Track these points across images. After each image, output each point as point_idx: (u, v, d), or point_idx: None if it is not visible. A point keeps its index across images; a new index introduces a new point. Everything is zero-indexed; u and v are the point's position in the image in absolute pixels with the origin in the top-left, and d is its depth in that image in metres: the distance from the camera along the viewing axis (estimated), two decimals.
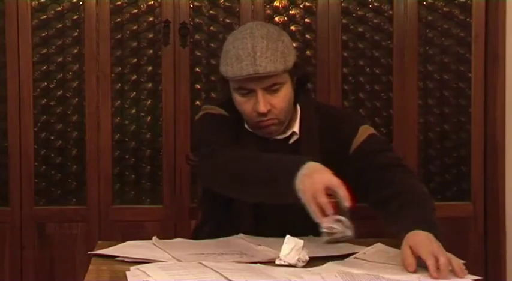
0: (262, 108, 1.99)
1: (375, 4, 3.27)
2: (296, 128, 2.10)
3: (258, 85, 1.99)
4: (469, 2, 3.27)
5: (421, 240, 1.70)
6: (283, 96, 2.02)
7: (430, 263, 1.63)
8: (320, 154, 2.01)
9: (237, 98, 2.04)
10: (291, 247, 1.70)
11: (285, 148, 2.08)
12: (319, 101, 2.93)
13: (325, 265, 1.70)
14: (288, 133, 2.10)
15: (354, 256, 1.80)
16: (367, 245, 1.87)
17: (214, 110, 2.13)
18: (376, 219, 2.01)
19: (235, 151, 1.97)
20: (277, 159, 1.86)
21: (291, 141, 2.10)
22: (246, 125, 2.10)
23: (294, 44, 3.21)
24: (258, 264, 1.71)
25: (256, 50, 1.96)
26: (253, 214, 2.08)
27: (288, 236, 1.73)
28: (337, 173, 1.80)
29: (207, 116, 2.13)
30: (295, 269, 1.68)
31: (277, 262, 1.70)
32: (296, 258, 1.70)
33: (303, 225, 1.82)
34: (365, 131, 2.09)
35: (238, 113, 2.08)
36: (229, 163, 1.93)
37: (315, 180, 1.71)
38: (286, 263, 1.70)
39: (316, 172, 1.74)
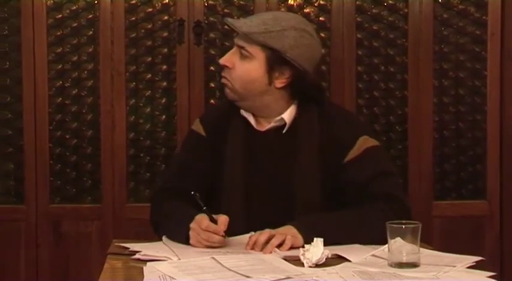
0: (222, 59, 2.07)
1: (390, 2, 3.26)
2: (286, 115, 2.07)
3: (237, 41, 2.06)
4: None
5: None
6: (244, 68, 2.04)
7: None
8: (318, 152, 2.05)
9: None
10: (322, 250, 1.70)
11: (277, 139, 2.07)
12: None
13: (340, 265, 1.69)
14: (276, 119, 2.08)
15: (371, 253, 1.79)
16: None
17: (196, 127, 2.19)
18: None
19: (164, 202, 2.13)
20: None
21: (284, 131, 2.08)
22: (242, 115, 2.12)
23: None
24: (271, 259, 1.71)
25: (258, 15, 2.10)
26: (245, 215, 2.09)
27: (315, 238, 1.73)
28: (328, 175, 2.01)
29: (190, 132, 2.24)
30: (311, 268, 1.68)
31: (307, 266, 1.69)
32: (324, 258, 1.72)
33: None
34: (363, 143, 2.07)
35: (226, 118, 2.12)
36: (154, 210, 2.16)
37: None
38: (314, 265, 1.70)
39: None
